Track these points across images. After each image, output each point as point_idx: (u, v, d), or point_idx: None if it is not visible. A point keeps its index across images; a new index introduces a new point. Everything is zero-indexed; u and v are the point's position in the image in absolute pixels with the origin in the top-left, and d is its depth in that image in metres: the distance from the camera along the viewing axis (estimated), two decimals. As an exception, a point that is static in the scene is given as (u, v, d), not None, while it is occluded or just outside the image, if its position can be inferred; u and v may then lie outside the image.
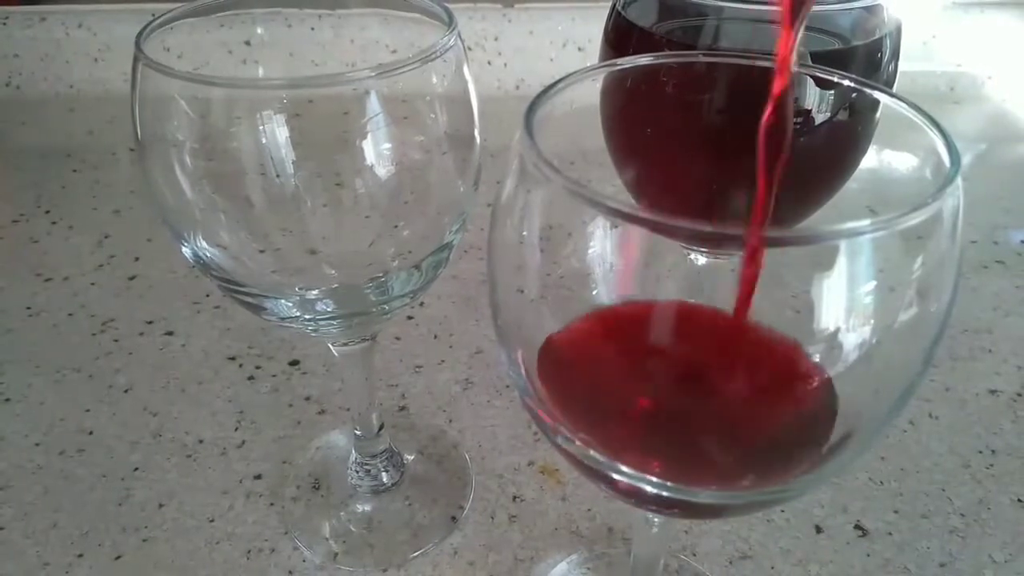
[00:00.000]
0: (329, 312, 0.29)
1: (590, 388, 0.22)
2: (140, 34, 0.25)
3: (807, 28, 0.30)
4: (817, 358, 0.20)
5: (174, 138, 0.25)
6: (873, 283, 0.18)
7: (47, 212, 0.59)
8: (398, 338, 0.47)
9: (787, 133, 0.21)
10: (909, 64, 0.32)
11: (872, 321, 0.18)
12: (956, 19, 0.79)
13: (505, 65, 0.78)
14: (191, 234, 0.27)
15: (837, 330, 0.19)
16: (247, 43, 0.31)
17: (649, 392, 0.21)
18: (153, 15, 0.26)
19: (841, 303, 0.18)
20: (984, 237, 0.56)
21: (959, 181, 0.17)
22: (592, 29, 0.76)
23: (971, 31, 0.79)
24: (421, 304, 0.49)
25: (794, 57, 0.21)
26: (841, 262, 0.17)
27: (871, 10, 0.30)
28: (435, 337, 0.47)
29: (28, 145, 0.69)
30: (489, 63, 0.78)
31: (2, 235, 0.56)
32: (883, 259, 0.17)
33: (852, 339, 0.19)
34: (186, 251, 0.28)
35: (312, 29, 0.33)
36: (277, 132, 0.25)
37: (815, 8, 0.29)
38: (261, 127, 0.25)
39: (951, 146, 0.18)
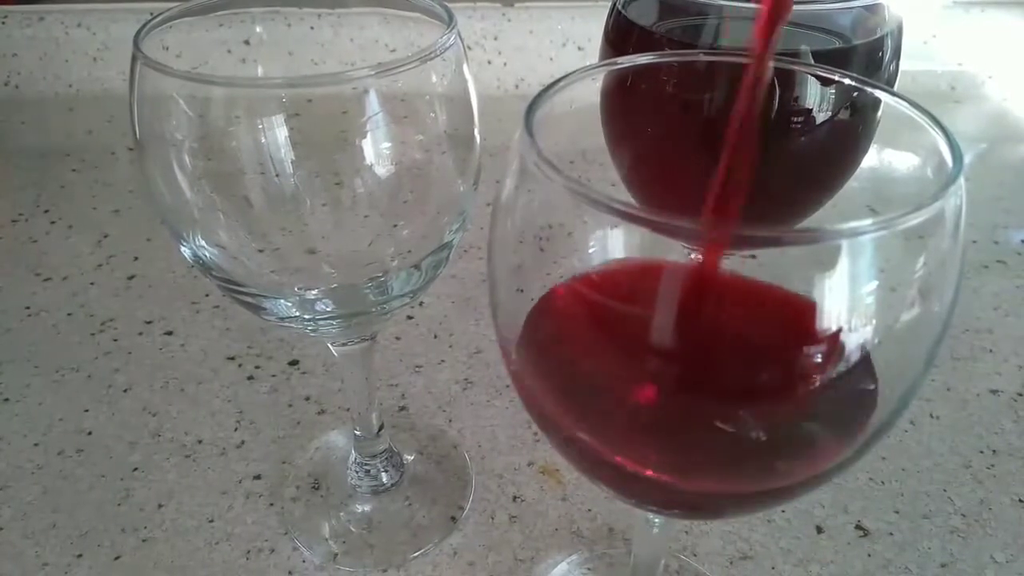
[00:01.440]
0: (328, 312, 0.29)
1: (581, 370, 0.22)
2: (138, 33, 0.25)
3: (809, 27, 0.30)
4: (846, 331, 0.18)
5: (173, 137, 0.25)
6: (875, 283, 0.18)
7: (46, 212, 0.59)
8: (398, 338, 0.47)
9: (755, 131, 0.20)
10: (909, 63, 0.32)
11: (874, 321, 0.18)
12: (956, 18, 0.79)
13: (505, 64, 0.78)
14: (190, 234, 0.27)
15: (839, 330, 0.19)
16: (246, 42, 0.31)
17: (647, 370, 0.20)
18: (152, 14, 0.26)
19: (843, 303, 0.18)
20: (984, 237, 0.56)
21: (962, 180, 0.17)
22: (592, 28, 0.76)
23: (972, 30, 0.79)
24: (421, 304, 0.49)
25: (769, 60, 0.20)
26: (843, 262, 0.17)
27: (872, 9, 0.30)
28: (435, 337, 0.47)
29: (27, 145, 0.69)
30: (489, 62, 0.78)
31: (1, 235, 0.56)
32: (885, 259, 0.17)
33: (854, 339, 0.19)
34: (185, 251, 0.27)
35: (311, 28, 0.33)
36: (276, 131, 0.25)
37: (818, 7, 0.30)
38: (260, 126, 0.25)
39: (953, 145, 0.18)
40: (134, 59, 0.24)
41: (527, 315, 0.22)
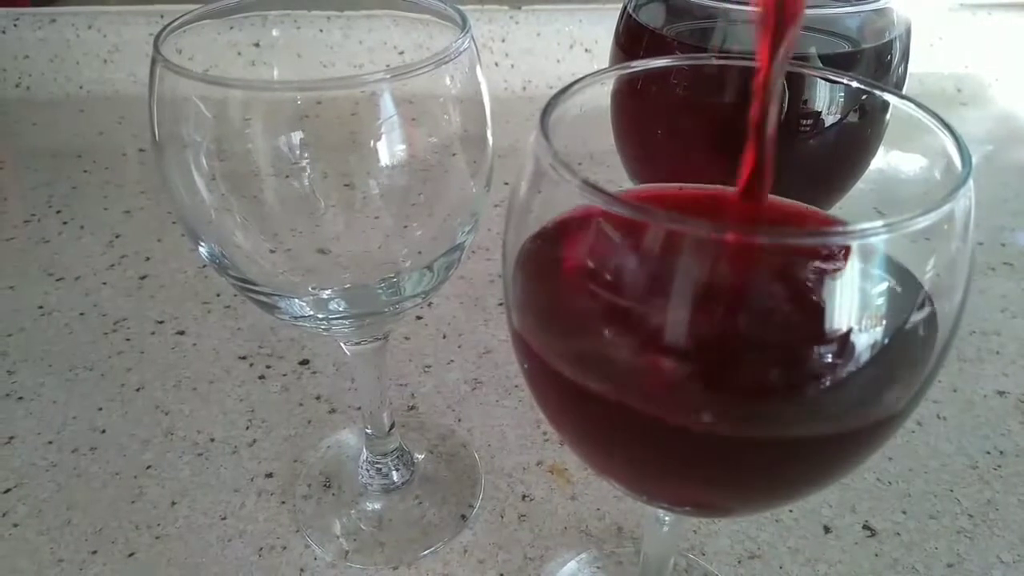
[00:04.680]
0: (341, 312, 0.29)
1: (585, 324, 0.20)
2: (158, 36, 0.26)
3: (818, 30, 0.30)
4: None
5: (191, 139, 0.25)
6: (885, 284, 0.18)
7: (58, 212, 0.59)
8: (407, 338, 0.47)
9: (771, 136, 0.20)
10: (916, 65, 0.32)
11: (884, 322, 0.19)
12: (963, 21, 0.79)
13: (512, 67, 0.78)
14: (207, 233, 0.27)
15: (849, 331, 0.19)
16: (256, 45, 0.31)
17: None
18: (162, 16, 0.27)
19: (853, 304, 0.18)
20: (991, 239, 0.56)
21: (971, 183, 0.17)
22: (599, 31, 0.76)
23: (978, 33, 0.79)
24: (430, 304, 0.49)
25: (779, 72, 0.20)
26: (854, 263, 0.17)
27: (881, 12, 0.30)
28: (444, 337, 0.47)
29: (39, 146, 0.70)
30: (496, 64, 0.78)
31: (14, 235, 0.57)
32: (895, 260, 0.17)
33: (864, 340, 0.19)
34: (202, 250, 0.28)
35: (321, 31, 0.33)
36: (289, 133, 0.25)
37: (827, 11, 0.30)
38: (274, 128, 0.25)
39: (962, 147, 0.19)
40: (154, 62, 0.25)
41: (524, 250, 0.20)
